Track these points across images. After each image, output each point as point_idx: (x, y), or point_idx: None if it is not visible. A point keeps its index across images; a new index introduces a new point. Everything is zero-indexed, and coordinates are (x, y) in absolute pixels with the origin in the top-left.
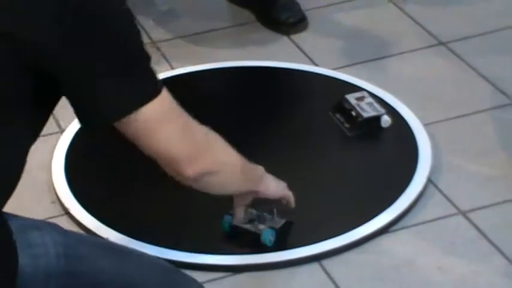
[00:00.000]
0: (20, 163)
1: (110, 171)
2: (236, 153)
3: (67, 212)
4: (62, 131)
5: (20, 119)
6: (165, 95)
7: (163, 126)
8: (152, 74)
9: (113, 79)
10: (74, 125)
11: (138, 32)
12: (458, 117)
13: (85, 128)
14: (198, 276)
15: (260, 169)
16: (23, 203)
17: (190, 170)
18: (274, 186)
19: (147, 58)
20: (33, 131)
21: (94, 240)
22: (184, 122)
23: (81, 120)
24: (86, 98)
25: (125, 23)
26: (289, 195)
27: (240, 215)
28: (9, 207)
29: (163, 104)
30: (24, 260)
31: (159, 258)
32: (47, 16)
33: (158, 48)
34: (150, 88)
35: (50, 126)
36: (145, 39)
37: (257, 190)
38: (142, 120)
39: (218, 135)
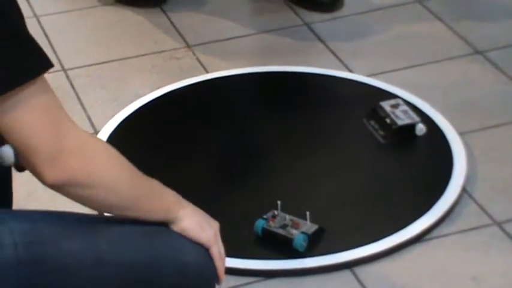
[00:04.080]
0: None
1: (144, 172)
2: (129, 170)
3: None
4: (96, 132)
5: None
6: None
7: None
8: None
9: None
10: (109, 126)
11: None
12: (494, 126)
13: None
14: (229, 280)
15: (173, 194)
16: (56, 204)
17: (50, 173)
18: (193, 222)
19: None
20: None
21: (63, 218)
22: (58, 114)
23: None
24: None
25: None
26: (215, 246)
27: None
28: (46, 205)
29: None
30: None
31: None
32: None
33: (193, 53)
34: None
35: (83, 126)
36: (180, 43)
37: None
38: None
39: (106, 146)
